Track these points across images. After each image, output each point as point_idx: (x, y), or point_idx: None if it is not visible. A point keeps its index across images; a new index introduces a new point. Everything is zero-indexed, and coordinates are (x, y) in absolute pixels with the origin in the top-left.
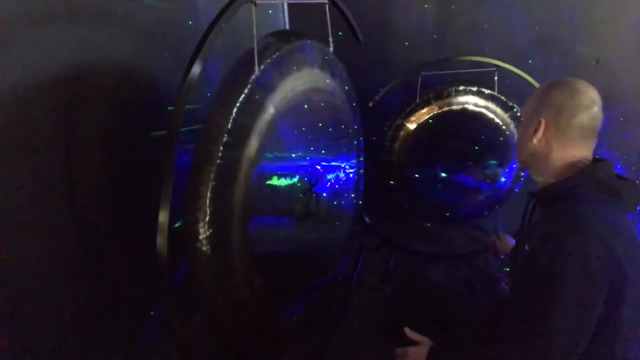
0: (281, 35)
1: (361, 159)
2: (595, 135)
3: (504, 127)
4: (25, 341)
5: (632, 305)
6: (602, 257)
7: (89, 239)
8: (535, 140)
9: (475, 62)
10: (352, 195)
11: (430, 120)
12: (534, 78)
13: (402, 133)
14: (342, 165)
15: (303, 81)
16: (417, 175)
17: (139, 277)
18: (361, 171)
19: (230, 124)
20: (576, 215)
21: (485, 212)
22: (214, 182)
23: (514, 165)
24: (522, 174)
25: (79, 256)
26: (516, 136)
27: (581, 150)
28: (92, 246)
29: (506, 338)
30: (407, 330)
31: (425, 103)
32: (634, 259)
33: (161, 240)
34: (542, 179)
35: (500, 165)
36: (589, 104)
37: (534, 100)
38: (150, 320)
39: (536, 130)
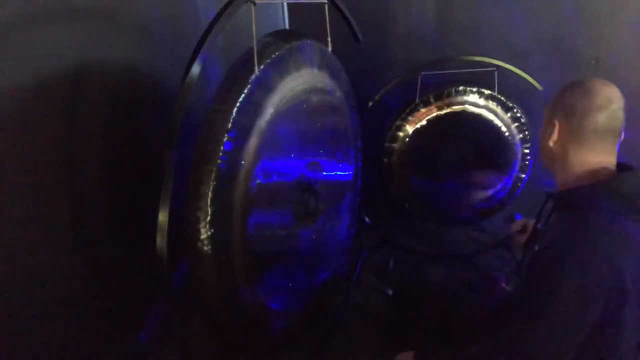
0: (281, 35)
1: (359, 158)
2: (615, 136)
3: (504, 128)
4: (24, 341)
5: (630, 327)
6: (603, 274)
7: (88, 239)
8: (551, 144)
9: (475, 62)
10: (351, 195)
11: (430, 121)
12: (534, 78)
13: (402, 133)
14: (341, 165)
15: (302, 81)
16: (417, 176)
17: (138, 278)
18: (359, 171)
19: (230, 124)
20: (586, 228)
21: (486, 214)
22: (215, 182)
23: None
24: (524, 175)
25: (78, 256)
26: (517, 137)
27: (601, 155)
28: (92, 246)
29: (500, 335)
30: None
31: (425, 103)
32: None
33: (161, 240)
34: (562, 182)
35: (500, 166)
36: (604, 104)
37: (551, 102)
38: (150, 320)
39: (551, 134)
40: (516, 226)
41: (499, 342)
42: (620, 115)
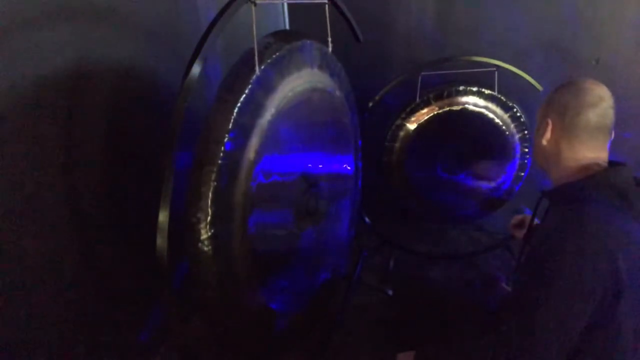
0: (281, 36)
1: (359, 158)
2: (607, 134)
3: (503, 127)
4: (24, 341)
5: (628, 316)
6: (598, 266)
7: (89, 239)
8: (544, 142)
9: (475, 62)
10: (351, 194)
11: (430, 120)
12: (534, 78)
13: (402, 133)
14: (341, 165)
15: (303, 81)
16: (417, 175)
17: (139, 277)
18: (359, 170)
19: (231, 124)
20: (580, 220)
21: (485, 213)
22: (215, 183)
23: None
24: (522, 173)
25: (79, 256)
26: (516, 136)
27: (593, 151)
28: (92, 246)
29: (498, 331)
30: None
31: (425, 103)
32: (637, 271)
33: (161, 240)
34: (556, 180)
35: (499, 165)
36: (595, 102)
37: (544, 102)
38: (150, 320)
39: (544, 132)
40: (514, 220)
41: (497, 338)
42: (611, 112)
